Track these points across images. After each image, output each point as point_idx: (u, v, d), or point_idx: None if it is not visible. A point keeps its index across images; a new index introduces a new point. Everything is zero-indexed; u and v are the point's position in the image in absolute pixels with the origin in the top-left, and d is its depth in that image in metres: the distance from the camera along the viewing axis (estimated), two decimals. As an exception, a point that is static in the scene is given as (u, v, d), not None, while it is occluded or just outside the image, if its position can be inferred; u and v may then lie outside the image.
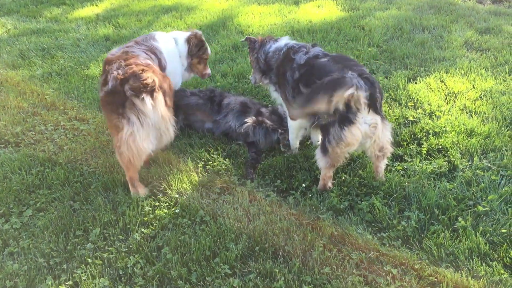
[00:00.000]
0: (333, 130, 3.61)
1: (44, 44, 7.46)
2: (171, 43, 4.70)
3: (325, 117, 3.63)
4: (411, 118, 4.92)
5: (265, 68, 4.44)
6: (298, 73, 3.98)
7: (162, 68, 4.37)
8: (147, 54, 4.20)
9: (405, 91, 5.48)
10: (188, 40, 4.79)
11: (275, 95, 4.51)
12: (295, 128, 4.37)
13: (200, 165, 4.33)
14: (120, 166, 3.98)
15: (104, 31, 8.04)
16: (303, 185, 4.02)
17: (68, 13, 9.31)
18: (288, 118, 4.35)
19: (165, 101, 3.81)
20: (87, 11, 9.35)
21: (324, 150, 3.73)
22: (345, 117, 3.55)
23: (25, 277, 3.16)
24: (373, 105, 3.58)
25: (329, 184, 3.94)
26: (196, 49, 4.83)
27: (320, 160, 3.80)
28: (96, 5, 9.71)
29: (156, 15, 8.87)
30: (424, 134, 4.62)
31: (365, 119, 3.59)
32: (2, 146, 4.71)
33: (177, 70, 4.77)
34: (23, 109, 5.39)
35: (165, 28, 8.04)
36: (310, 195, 3.89)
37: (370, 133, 3.64)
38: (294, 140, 4.45)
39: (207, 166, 4.33)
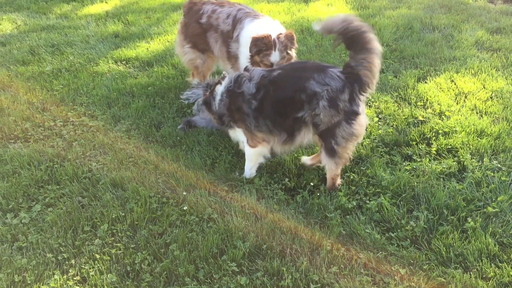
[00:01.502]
0: (340, 130, 3.62)
1: (53, 41, 7.49)
2: None
3: (325, 120, 3.62)
4: (421, 118, 4.89)
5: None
6: (255, 102, 3.85)
7: None
8: None
9: (414, 91, 5.45)
10: None
11: (235, 134, 4.27)
12: (255, 155, 4.15)
13: (208, 163, 4.33)
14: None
15: (114, 28, 8.06)
16: (311, 183, 4.00)
17: (78, 10, 9.34)
18: (247, 147, 4.15)
19: None
20: (97, 8, 9.38)
21: (332, 153, 3.72)
22: (351, 111, 3.59)
23: (34, 272, 3.18)
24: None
25: (338, 182, 3.94)
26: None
27: (329, 163, 3.79)
28: (106, 2, 9.74)
29: (166, 13, 8.89)
30: (433, 134, 4.59)
31: (362, 108, 3.70)
32: (12, 141, 4.73)
33: None
34: (32, 105, 5.42)
35: (174, 25, 8.05)
36: (318, 194, 3.88)
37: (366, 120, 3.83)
38: (252, 169, 4.20)
39: (215, 164, 4.33)
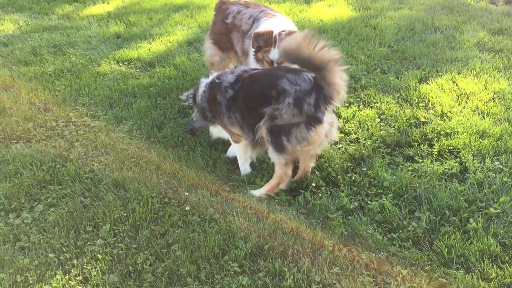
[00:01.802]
0: (296, 131, 3.61)
1: (56, 41, 7.50)
2: None
3: (285, 117, 3.62)
4: (422, 119, 4.89)
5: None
6: (232, 91, 3.89)
7: None
8: None
9: (416, 92, 5.45)
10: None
11: (215, 131, 4.33)
12: (241, 150, 4.16)
13: (210, 163, 4.34)
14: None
15: (115, 29, 8.07)
16: (313, 184, 4.00)
17: (80, 10, 9.35)
18: (232, 142, 4.20)
19: None
20: (99, 8, 9.39)
21: (281, 148, 3.69)
22: (314, 117, 3.59)
23: (36, 272, 3.18)
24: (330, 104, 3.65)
25: (286, 181, 3.87)
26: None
27: (278, 159, 3.75)
28: (108, 3, 9.75)
29: (167, 13, 8.90)
30: (435, 135, 4.59)
31: (326, 118, 3.68)
32: (14, 141, 4.74)
33: None
34: (34, 105, 5.43)
35: (175, 26, 8.06)
36: (320, 195, 3.88)
37: (328, 132, 3.74)
38: (245, 164, 4.22)
39: (217, 164, 4.34)
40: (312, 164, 4.11)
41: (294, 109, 3.58)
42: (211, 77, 4.14)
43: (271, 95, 3.67)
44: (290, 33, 4.41)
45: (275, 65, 4.46)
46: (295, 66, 3.95)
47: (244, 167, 4.22)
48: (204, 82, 4.18)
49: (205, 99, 4.13)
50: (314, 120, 3.60)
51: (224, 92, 3.93)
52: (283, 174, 3.84)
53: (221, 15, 5.32)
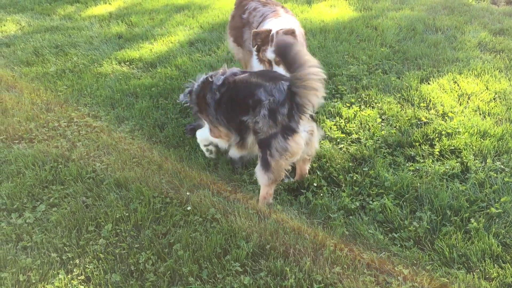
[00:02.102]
0: (275, 142, 3.58)
1: (57, 42, 7.52)
2: None
3: (264, 129, 3.61)
4: (424, 119, 4.90)
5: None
6: (218, 93, 3.91)
7: None
8: None
9: (417, 92, 5.46)
10: None
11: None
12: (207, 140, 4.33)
13: (211, 163, 4.35)
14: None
15: (117, 29, 8.09)
16: (314, 184, 4.01)
17: (82, 11, 9.37)
18: (210, 135, 4.26)
19: None
20: (100, 9, 9.41)
21: (266, 166, 3.65)
22: (288, 126, 3.56)
23: (38, 271, 3.20)
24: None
25: (270, 201, 3.83)
26: None
27: (262, 177, 3.71)
28: (109, 4, 9.77)
29: (169, 14, 8.91)
30: (436, 135, 4.59)
31: (304, 127, 3.63)
32: (16, 141, 4.75)
33: None
34: (36, 105, 5.44)
35: (177, 26, 8.08)
36: (321, 195, 3.89)
37: (308, 140, 3.70)
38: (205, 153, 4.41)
39: (219, 164, 4.35)
40: (308, 167, 4.11)
41: (269, 120, 3.57)
42: (207, 75, 4.14)
43: (248, 104, 3.68)
44: (288, 32, 4.32)
45: (273, 65, 4.41)
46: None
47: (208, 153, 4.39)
48: (200, 78, 4.18)
49: (196, 95, 4.16)
50: (289, 130, 3.56)
51: (213, 94, 3.94)
52: (265, 194, 3.79)
53: (240, 10, 5.33)
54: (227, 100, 3.87)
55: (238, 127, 3.85)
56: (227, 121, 3.93)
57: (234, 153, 4.15)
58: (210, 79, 3.99)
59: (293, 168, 4.10)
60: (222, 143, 4.20)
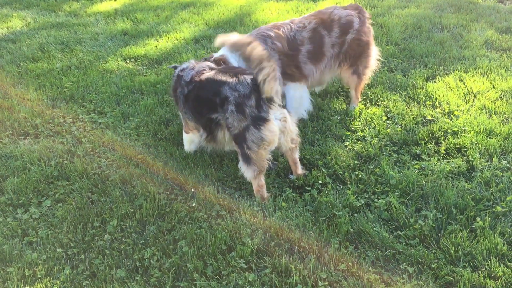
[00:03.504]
0: (249, 134, 3.61)
1: (63, 38, 7.53)
2: None
3: (235, 124, 3.65)
4: (429, 117, 4.88)
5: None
6: (186, 89, 3.97)
7: None
8: None
9: (423, 90, 5.44)
10: None
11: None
12: (187, 141, 4.45)
13: (216, 160, 4.35)
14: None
15: (122, 26, 8.09)
16: (319, 181, 4.01)
17: (87, 7, 9.39)
18: (183, 131, 4.37)
19: None
20: (106, 5, 9.42)
21: (247, 159, 3.69)
22: (258, 117, 3.60)
23: (44, 266, 3.21)
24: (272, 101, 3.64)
25: (265, 194, 3.85)
26: None
27: (247, 172, 3.74)
28: (115, 0, 9.78)
29: (174, 11, 8.91)
30: (442, 134, 4.58)
31: (275, 115, 3.68)
32: (22, 137, 4.77)
33: None
34: (42, 101, 5.46)
35: (182, 23, 8.08)
36: (326, 192, 3.88)
37: (282, 127, 3.75)
38: (188, 151, 4.48)
39: (224, 161, 4.35)
40: (297, 154, 4.08)
41: (238, 114, 3.61)
42: (182, 66, 4.17)
43: (216, 103, 3.72)
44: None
45: None
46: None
47: (189, 148, 4.46)
48: (177, 69, 4.21)
49: (172, 88, 4.23)
50: (260, 120, 3.60)
51: (182, 88, 4.00)
52: (257, 187, 3.81)
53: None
54: (194, 98, 3.92)
55: (206, 124, 3.92)
56: (194, 117, 4.01)
57: (207, 146, 4.24)
58: (180, 73, 4.05)
59: (290, 167, 4.10)
60: (195, 137, 4.30)
